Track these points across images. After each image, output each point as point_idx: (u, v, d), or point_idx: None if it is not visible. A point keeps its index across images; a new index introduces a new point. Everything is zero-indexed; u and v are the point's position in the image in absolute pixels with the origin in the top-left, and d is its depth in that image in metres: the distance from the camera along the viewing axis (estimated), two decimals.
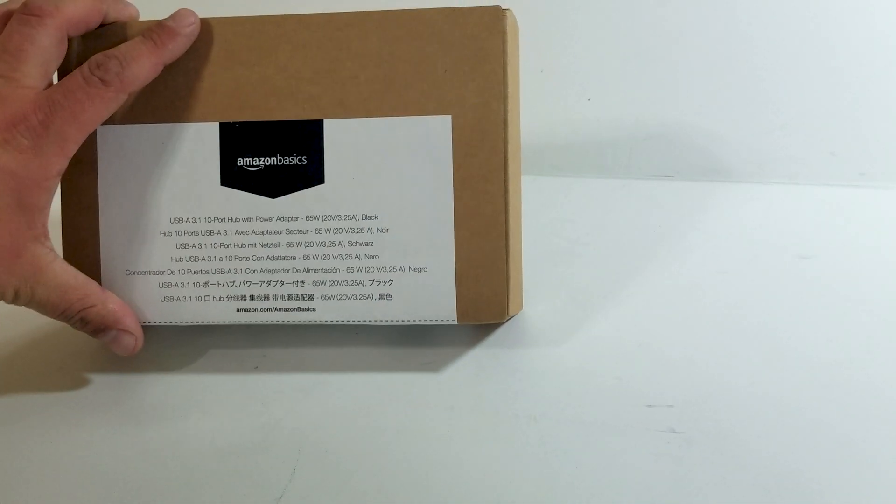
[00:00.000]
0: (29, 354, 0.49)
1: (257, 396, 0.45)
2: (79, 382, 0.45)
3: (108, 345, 0.44)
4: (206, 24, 0.44)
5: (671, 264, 0.50)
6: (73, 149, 0.40)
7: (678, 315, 0.47)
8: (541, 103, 0.60)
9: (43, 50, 0.41)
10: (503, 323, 0.47)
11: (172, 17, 0.43)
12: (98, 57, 0.41)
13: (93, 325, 0.43)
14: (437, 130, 0.43)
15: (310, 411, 0.43)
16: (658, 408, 0.42)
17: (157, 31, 0.42)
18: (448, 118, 0.43)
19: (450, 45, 0.43)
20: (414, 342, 0.46)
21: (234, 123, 0.44)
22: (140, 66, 0.41)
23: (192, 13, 0.43)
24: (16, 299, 0.41)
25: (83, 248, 0.45)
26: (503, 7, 0.43)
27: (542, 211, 0.53)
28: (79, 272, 0.43)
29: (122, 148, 0.45)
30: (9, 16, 0.42)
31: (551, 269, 0.49)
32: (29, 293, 0.41)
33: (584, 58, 0.60)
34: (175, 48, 0.43)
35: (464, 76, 0.43)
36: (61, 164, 0.40)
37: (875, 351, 0.44)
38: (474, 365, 0.45)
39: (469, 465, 0.40)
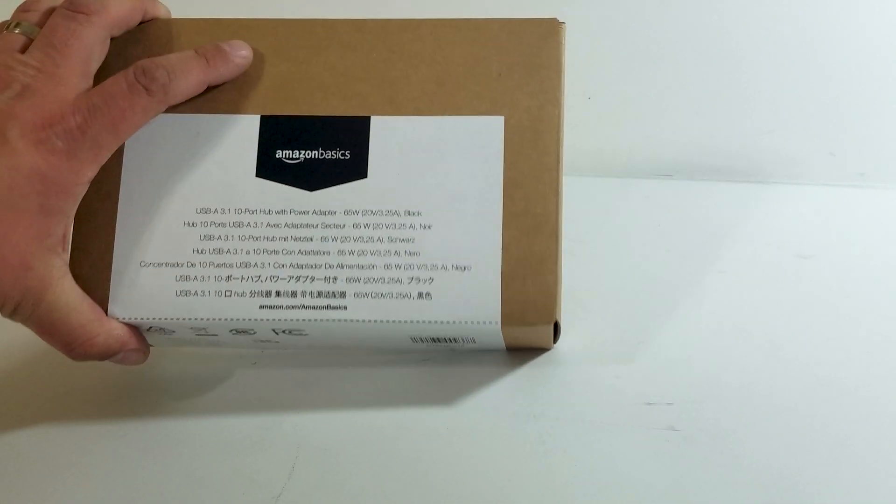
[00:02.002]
0: (25, 351, 0.49)
1: (256, 393, 0.45)
2: (75, 380, 0.45)
3: (114, 363, 0.41)
4: (255, 23, 0.43)
5: (671, 264, 0.50)
6: (106, 156, 0.39)
7: (678, 314, 0.47)
8: None
9: (88, 48, 0.39)
10: (548, 350, 0.45)
11: (228, 43, 0.42)
12: (145, 63, 0.39)
13: (97, 356, 0.40)
14: (488, 130, 0.42)
15: (309, 409, 0.43)
16: (657, 406, 0.42)
17: (212, 51, 0.41)
18: (500, 119, 0.42)
19: (505, 51, 0.43)
20: None
21: (277, 117, 0.42)
22: (187, 80, 0.40)
23: (247, 46, 0.42)
24: (14, 314, 0.38)
25: (96, 236, 0.41)
26: (560, 20, 0.43)
27: None
28: (85, 295, 0.40)
29: (152, 136, 0.42)
30: (50, 12, 0.40)
31: None
32: (29, 309, 0.38)
33: (584, 56, 0.60)
34: (224, 72, 0.41)
35: (519, 80, 0.42)
36: (93, 171, 0.39)
37: (874, 351, 0.44)
38: (473, 363, 0.45)
39: (468, 463, 0.40)
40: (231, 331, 0.41)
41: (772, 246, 0.50)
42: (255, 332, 0.42)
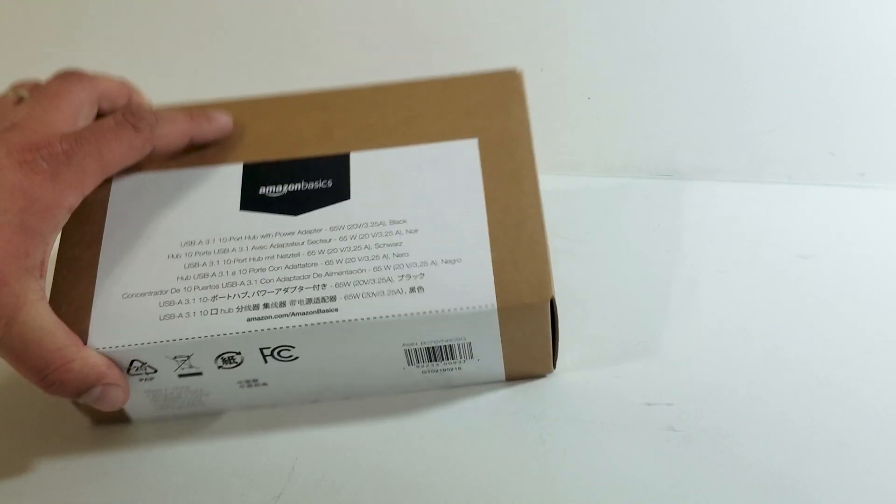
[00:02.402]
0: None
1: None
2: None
3: (93, 403, 0.39)
4: (234, 102, 0.46)
5: (671, 264, 0.50)
6: (90, 185, 0.39)
7: (678, 314, 0.47)
8: (540, 102, 0.60)
9: (77, 102, 0.41)
10: (544, 376, 0.44)
11: (211, 109, 0.45)
12: (133, 106, 0.42)
13: (73, 386, 0.38)
14: (464, 151, 0.43)
15: (308, 409, 0.43)
16: (657, 406, 0.42)
17: (195, 110, 0.44)
18: (474, 141, 0.44)
19: (471, 97, 0.46)
20: None
21: (259, 163, 0.44)
22: (173, 127, 0.42)
23: (228, 114, 0.45)
24: None
25: (77, 282, 0.41)
26: (518, 70, 0.47)
27: None
28: (61, 322, 0.38)
29: (137, 189, 0.43)
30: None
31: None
32: (2, 328, 0.36)
33: (584, 56, 0.60)
34: (206, 130, 0.44)
35: (487, 115, 0.45)
36: (75, 197, 0.39)
37: (874, 351, 0.44)
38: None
39: (468, 463, 0.40)
40: (217, 358, 0.40)
41: (772, 246, 0.50)
42: (242, 360, 0.40)
